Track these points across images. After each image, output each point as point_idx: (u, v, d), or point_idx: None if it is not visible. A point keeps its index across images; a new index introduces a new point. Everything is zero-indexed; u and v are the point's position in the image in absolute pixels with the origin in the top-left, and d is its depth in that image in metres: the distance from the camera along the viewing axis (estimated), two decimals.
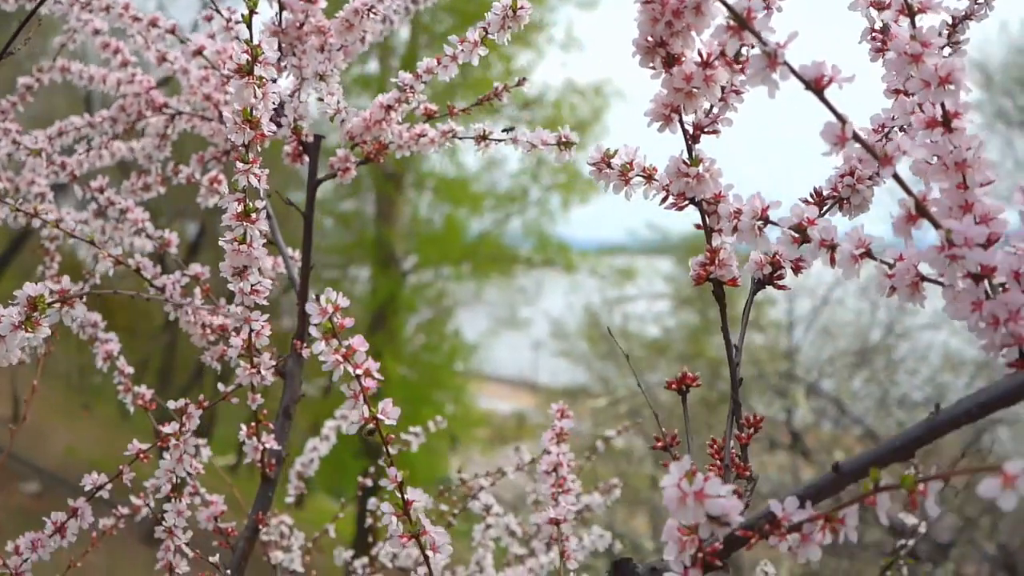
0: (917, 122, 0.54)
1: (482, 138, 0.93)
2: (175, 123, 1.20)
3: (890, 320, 6.58)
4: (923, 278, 0.54)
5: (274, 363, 0.91)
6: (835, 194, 0.69)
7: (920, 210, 0.51)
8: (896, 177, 0.51)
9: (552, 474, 0.95)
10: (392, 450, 0.65)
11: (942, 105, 0.53)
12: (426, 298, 12.09)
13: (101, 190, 1.11)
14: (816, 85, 0.50)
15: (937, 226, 0.51)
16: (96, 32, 1.19)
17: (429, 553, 0.64)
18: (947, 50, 0.70)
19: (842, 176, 0.69)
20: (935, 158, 0.54)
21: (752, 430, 0.62)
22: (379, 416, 0.63)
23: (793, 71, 0.50)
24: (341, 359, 0.61)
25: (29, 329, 0.67)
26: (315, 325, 0.61)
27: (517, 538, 1.35)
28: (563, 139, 0.82)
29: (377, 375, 0.62)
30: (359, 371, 0.61)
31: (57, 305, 0.66)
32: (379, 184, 11.31)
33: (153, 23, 1.09)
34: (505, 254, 11.76)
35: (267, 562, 1.26)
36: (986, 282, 0.51)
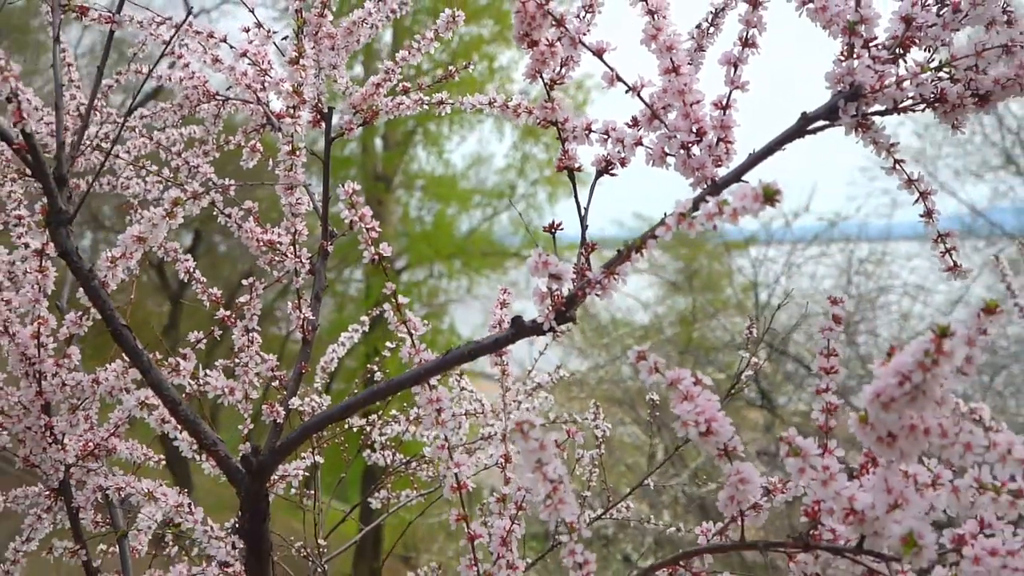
0: (659, 70, 1.01)
1: (441, 103, 1.41)
2: (224, 107, 1.67)
3: (854, 286, 7.08)
4: (666, 153, 1.02)
5: (310, 255, 1.39)
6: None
7: (654, 115, 0.98)
8: (642, 99, 0.98)
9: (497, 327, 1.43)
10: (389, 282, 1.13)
11: (671, 59, 1.01)
12: (420, 296, 12.55)
13: (179, 153, 1.58)
14: (598, 52, 0.98)
15: (662, 122, 0.98)
16: (165, 43, 1.66)
17: (412, 331, 1.11)
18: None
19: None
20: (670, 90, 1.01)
21: (591, 250, 1.10)
22: (381, 252, 1.10)
23: (585, 45, 0.98)
24: (357, 219, 1.08)
25: (171, 217, 1.14)
26: (341, 200, 1.08)
27: (485, 413, 1.83)
28: (492, 100, 1.29)
29: (378, 229, 1.09)
30: (368, 226, 1.09)
31: (191, 200, 1.13)
32: (368, 185, 11.77)
33: (210, 35, 1.56)
34: (495, 249, 12.23)
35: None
36: (692, 149, 0.99)
